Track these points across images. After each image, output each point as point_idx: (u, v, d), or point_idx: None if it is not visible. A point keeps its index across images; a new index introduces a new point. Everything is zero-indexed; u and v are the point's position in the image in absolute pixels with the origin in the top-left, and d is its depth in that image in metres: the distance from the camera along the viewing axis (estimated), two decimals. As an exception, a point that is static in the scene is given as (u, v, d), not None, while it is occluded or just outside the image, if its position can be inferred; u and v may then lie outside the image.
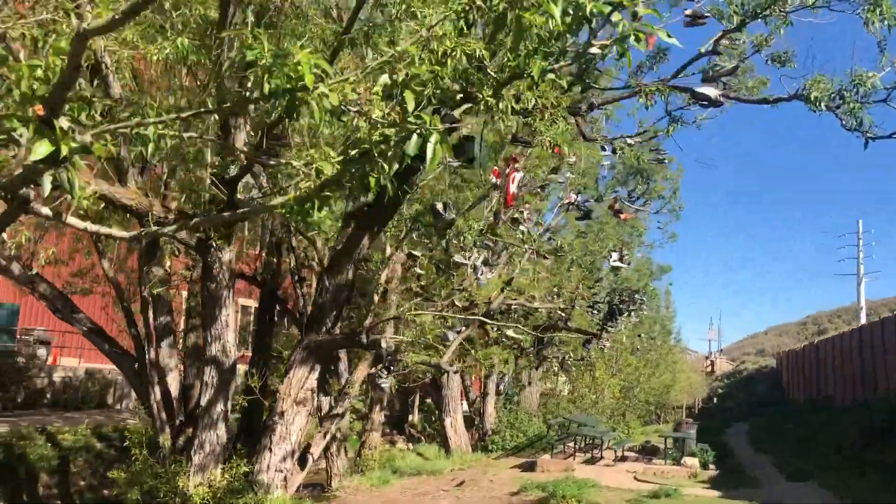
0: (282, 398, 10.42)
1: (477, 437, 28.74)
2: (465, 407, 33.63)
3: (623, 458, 22.09)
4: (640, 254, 33.35)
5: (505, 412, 27.98)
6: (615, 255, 21.15)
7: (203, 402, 9.49)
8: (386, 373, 10.61)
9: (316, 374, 10.66)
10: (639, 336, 31.84)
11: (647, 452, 22.74)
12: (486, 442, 26.44)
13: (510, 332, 21.44)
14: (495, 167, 7.12)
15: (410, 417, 34.74)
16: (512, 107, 6.72)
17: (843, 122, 10.66)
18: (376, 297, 10.04)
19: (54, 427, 17.75)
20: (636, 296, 26.79)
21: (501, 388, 32.20)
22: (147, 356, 10.41)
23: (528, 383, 33.59)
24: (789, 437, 31.86)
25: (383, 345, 9.86)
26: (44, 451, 16.42)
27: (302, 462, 11.37)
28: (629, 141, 11.46)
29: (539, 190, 20.50)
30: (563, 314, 31.43)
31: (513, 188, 6.98)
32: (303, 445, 10.60)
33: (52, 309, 10.75)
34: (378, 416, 18.42)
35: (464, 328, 14.21)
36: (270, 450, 10.37)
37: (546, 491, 14.77)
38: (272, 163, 6.83)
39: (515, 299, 22.10)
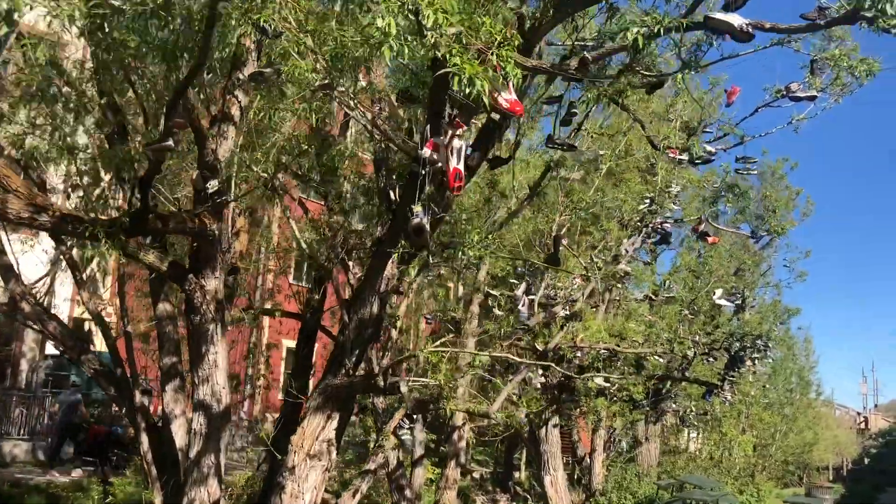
0: (293, 451, 9.04)
1: (584, 498, 26.35)
2: (572, 464, 31.32)
3: (745, 528, 19.28)
4: (767, 295, 30.20)
5: (614, 471, 25.41)
6: (719, 292, 18.67)
7: (192, 454, 8.25)
8: (410, 423, 9.05)
9: (334, 424, 9.23)
10: (764, 387, 28.44)
11: (776, 520, 19.73)
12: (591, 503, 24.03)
13: (598, 381, 19.30)
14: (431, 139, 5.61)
15: (517, 475, 32.52)
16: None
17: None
18: (395, 333, 8.54)
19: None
20: (758, 341, 23.92)
21: (612, 444, 29.66)
22: (134, 400, 9.32)
23: (645, 439, 30.71)
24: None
25: (403, 389, 8.35)
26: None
27: (328, 526, 9.89)
28: (708, 148, 9.50)
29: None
30: (680, 363, 28.92)
31: (454, 163, 5.39)
32: (318, 502, 9.13)
33: (63, 348, 9.89)
34: (453, 473, 16.72)
35: (541, 374, 12.44)
36: (280, 511, 8.96)
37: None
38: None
39: (617, 345, 19.98)
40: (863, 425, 67.32)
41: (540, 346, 16.01)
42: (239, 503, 9.90)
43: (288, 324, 13.22)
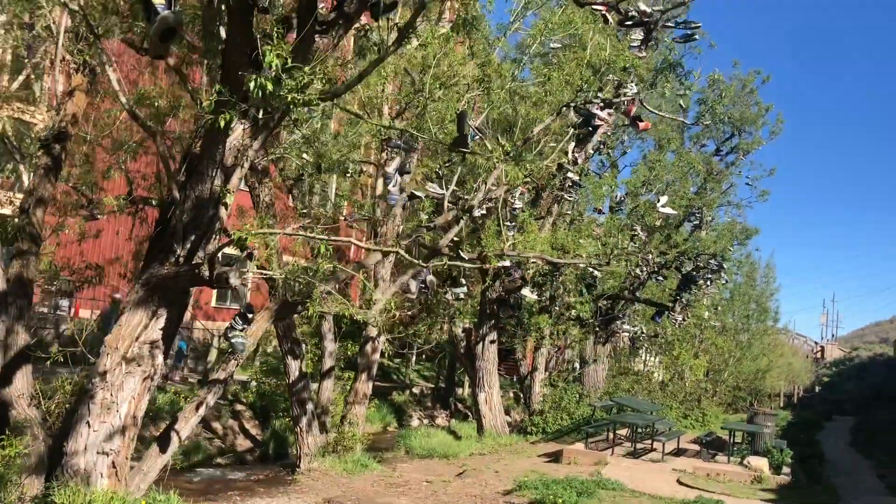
0: (106, 353, 7.42)
1: (523, 418, 25.40)
2: (515, 383, 30.37)
3: (680, 453, 18.24)
4: (729, 216, 28.75)
5: (554, 391, 24.30)
6: (663, 199, 17.11)
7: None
8: (242, 323, 7.46)
9: (160, 323, 7.62)
10: (715, 308, 27.32)
11: (712, 447, 18.71)
12: (527, 424, 22.96)
13: (526, 293, 17.88)
14: None
15: (460, 391, 31.54)
16: None
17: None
18: (223, 210, 6.81)
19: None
20: (712, 261, 22.61)
21: (556, 363, 28.60)
22: None
23: (592, 360, 29.57)
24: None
25: (233, 281, 6.71)
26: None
27: (164, 443, 8.37)
28: (642, 6, 7.70)
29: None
30: (632, 283, 27.66)
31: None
32: (138, 417, 7.55)
33: None
34: (363, 387, 15.31)
35: (428, 275, 10.84)
36: (88, 423, 7.39)
37: (539, 493, 11.33)
38: None
39: (559, 258, 18.46)
40: (819, 355, 67.59)
41: (465, 256, 14.43)
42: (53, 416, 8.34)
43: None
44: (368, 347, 15.53)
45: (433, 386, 31.26)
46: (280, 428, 18.42)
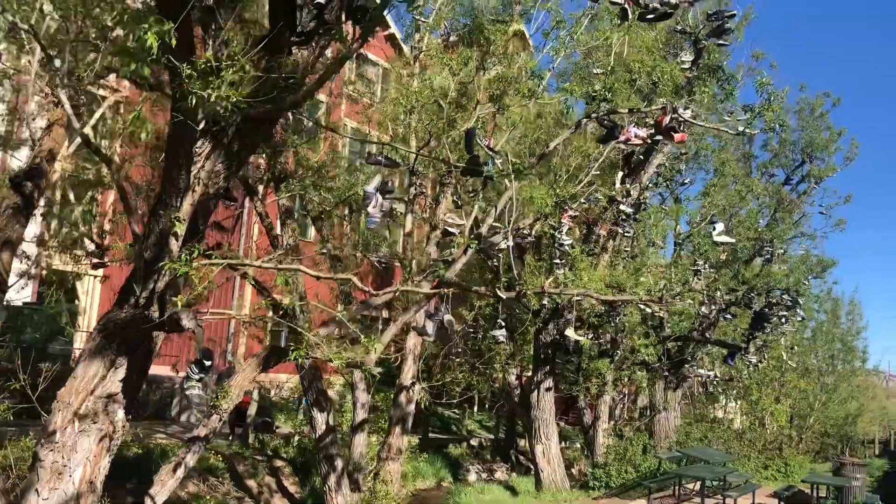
0: (57, 409, 6.56)
1: (587, 471, 23.71)
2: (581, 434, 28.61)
3: (756, 510, 16.41)
4: (802, 247, 26.82)
5: (618, 441, 22.63)
6: (719, 227, 15.61)
7: None
8: (198, 372, 6.48)
9: (119, 374, 6.73)
10: (792, 348, 25.21)
11: (795, 502, 16.79)
12: (588, 477, 21.32)
13: (569, 333, 16.52)
14: None
15: (523, 443, 29.91)
16: None
17: None
18: (173, 243, 5.92)
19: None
20: (785, 296, 20.79)
21: (622, 412, 26.90)
22: None
23: (662, 408, 27.64)
24: None
25: (185, 323, 5.79)
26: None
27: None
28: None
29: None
30: (701, 323, 25.87)
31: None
32: (96, 482, 6.63)
33: None
34: (398, 441, 14.18)
35: (446, 314, 9.74)
36: (37, 491, 6.50)
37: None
38: None
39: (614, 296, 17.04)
40: (916, 396, 62.86)
41: (502, 294, 13.25)
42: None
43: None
44: (402, 398, 14.44)
45: (493, 437, 29.77)
46: (319, 485, 17.40)
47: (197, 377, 6.65)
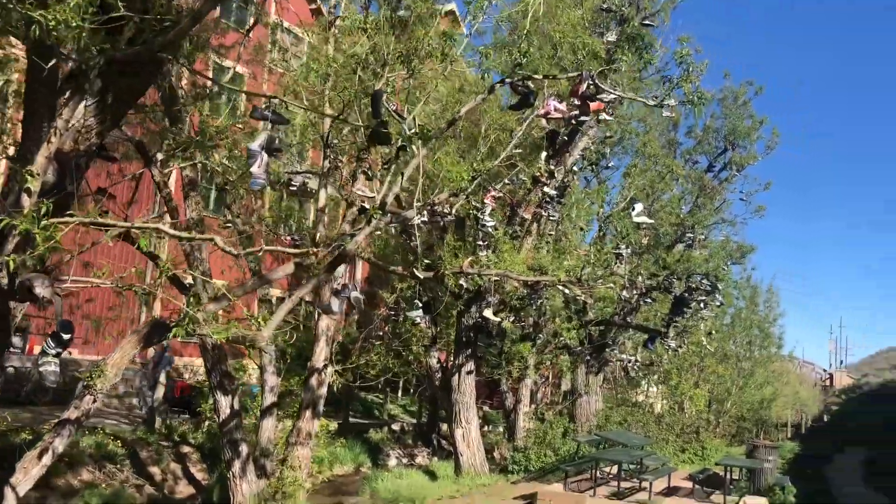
0: None
1: (509, 455, 23.56)
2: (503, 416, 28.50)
3: (671, 492, 16.43)
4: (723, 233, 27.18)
5: (538, 424, 22.52)
6: (638, 207, 15.52)
7: None
8: (54, 346, 5.84)
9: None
10: (709, 333, 25.54)
11: (708, 485, 16.90)
12: (508, 461, 21.14)
13: (487, 314, 16.23)
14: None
15: (444, 427, 29.61)
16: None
17: None
18: (25, 200, 5.23)
19: None
20: (704, 281, 20.95)
21: (543, 395, 26.88)
22: None
23: (584, 392, 27.68)
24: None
25: (39, 291, 5.14)
26: None
27: (-4, 499, 6.71)
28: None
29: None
30: (622, 307, 25.97)
31: None
32: None
33: None
34: (309, 425, 13.60)
35: (353, 291, 9.25)
36: None
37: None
38: None
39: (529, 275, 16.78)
40: (827, 382, 65.33)
41: (419, 274, 12.76)
42: None
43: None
44: (314, 380, 13.84)
45: (416, 422, 29.40)
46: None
47: (53, 352, 5.97)
